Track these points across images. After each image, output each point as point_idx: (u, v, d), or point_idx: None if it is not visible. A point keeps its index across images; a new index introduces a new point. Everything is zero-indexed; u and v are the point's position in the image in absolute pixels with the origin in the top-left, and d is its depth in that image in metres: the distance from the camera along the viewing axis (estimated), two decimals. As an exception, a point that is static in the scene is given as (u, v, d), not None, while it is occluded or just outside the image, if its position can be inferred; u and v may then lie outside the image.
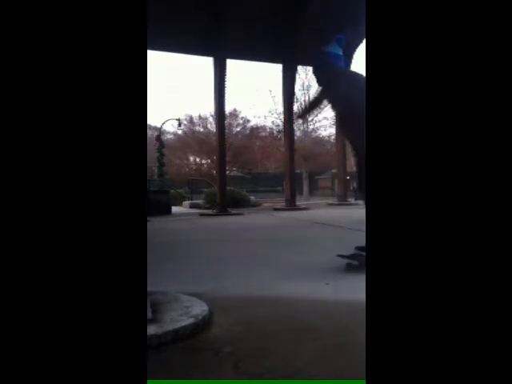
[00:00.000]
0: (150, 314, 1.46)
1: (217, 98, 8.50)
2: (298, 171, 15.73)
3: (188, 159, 29.72)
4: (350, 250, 2.67)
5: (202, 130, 28.34)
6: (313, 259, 2.95)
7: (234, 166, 24.99)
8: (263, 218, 6.48)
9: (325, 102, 3.09)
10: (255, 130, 29.52)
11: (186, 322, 1.45)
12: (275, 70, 9.47)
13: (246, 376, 1.11)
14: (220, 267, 2.74)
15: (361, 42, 9.22)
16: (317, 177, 32.55)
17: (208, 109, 28.11)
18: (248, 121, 27.53)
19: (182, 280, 2.32)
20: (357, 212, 7.01)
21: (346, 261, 2.65)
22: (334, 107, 2.95)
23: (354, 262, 2.60)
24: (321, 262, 2.80)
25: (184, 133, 28.55)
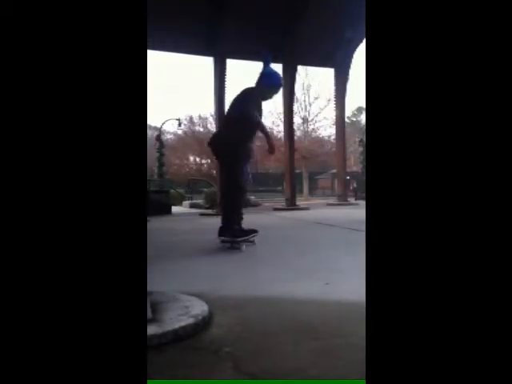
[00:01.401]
0: (149, 314, 1.46)
1: (217, 98, 8.50)
2: (297, 171, 15.74)
3: (188, 159, 29.74)
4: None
5: (201, 130, 28.35)
6: (313, 259, 2.95)
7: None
8: (263, 218, 6.48)
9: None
10: (255, 130, 29.39)
11: (186, 321, 1.45)
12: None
13: (246, 376, 1.11)
14: (220, 267, 2.74)
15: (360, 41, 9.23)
16: (317, 177, 32.56)
17: (208, 109, 28.13)
18: (248, 121, 27.47)
19: (181, 280, 2.32)
20: (357, 212, 7.01)
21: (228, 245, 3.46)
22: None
23: (237, 246, 3.42)
24: (321, 263, 2.80)
25: (184, 133, 28.58)
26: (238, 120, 3.43)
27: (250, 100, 3.47)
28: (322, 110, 23.90)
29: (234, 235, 3.46)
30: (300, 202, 11.20)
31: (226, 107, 8.68)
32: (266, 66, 3.66)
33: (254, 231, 3.59)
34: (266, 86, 3.62)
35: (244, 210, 3.61)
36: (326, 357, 1.23)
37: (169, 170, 23.43)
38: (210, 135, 4.76)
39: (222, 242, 3.50)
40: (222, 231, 3.51)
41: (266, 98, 3.70)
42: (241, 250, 3.38)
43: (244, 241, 3.47)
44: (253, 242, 3.56)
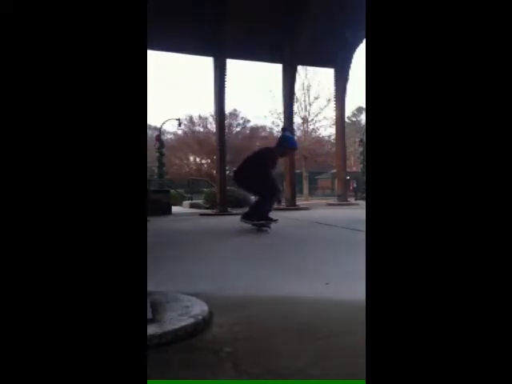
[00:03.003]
0: (150, 314, 1.46)
1: (217, 97, 8.49)
2: (298, 171, 15.73)
3: (188, 159, 29.70)
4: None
5: (201, 129, 28.35)
6: (313, 260, 2.95)
7: (234, 165, 24.97)
8: (263, 218, 6.47)
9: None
10: (255, 130, 29.52)
11: (186, 321, 1.45)
12: (275, 70, 9.47)
13: (246, 376, 1.11)
14: (220, 267, 2.74)
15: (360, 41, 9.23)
16: (317, 177, 32.57)
17: (208, 109, 28.09)
18: (248, 121, 27.53)
19: (182, 280, 2.32)
20: (357, 212, 7.01)
21: (251, 225, 4.61)
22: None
23: (265, 228, 4.58)
24: (321, 263, 2.80)
25: (184, 133, 28.58)
26: (255, 168, 4.78)
27: (269, 158, 4.83)
28: (322, 110, 23.87)
29: (251, 219, 4.64)
30: (300, 201, 11.20)
31: (226, 107, 8.74)
32: (285, 132, 5.13)
33: (273, 220, 4.72)
34: (285, 147, 4.94)
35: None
36: (326, 357, 1.23)
37: (169, 170, 23.39)
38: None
39: (253, 225, 4.61)
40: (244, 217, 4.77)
41: (283, 156, 5.45)
42: (267, 232, 4.48)
43: (262, 224, 4.56)
44: (270, 227, 4.59)
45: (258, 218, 4.63)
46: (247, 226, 4.64)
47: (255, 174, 4.74)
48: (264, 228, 4.57)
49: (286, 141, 4.97)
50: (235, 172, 5.15)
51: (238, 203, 9.31)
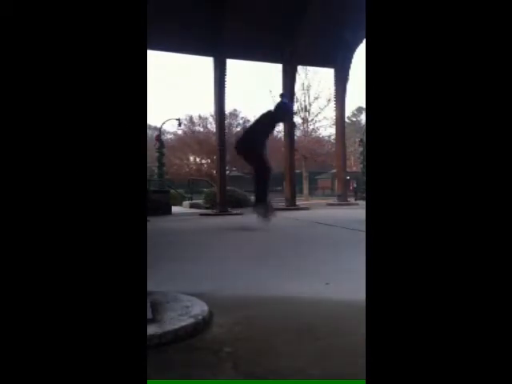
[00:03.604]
0: (150, 314, 1.46)
1: (217, 97, 8.49)
2: (298, 171, 15.74)
3: (188, 159, 29.65)
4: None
5: (201, 130, 28.32)
6: (313, 260, 2.95)
7: (234, 165, 24.94)
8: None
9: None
10: (255, 129, 29.31)
11: (186, 321, 1.45)
12: (275, 70, 9.47)
13: (246, 376, 1.11)
14: (220, 267, 2.74)
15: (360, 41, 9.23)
16: (317, 177, 32.57)
17: (208, 109, 28.03)
18: (248, 121, 27.44)
19: (182, 280, 2.32)
20: (357, 212, 7.01)
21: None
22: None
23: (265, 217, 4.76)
24: (321, 263, 2.80)
25: (184, 133, 28.54)
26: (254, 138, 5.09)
27: (267, 125, 5.15)
28: (322, 110, 23.85)
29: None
30: (300, 201, 11.20)
31: (226, 107, 8.82)
32: (283, 98, 5.27)
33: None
34: (282, 113, 5.24)
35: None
36: (326, 357, 1.23)
37: (169, 170, 23.34)
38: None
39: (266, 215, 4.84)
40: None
41: (279, 121, 5.75)
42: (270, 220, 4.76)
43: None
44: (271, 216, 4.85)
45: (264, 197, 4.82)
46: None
47: (255, 144, 4.96)
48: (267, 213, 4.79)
49: (283, 107, 5.24)
50: (237, 143, 5.31)
51: (238, 203, 9.32)
